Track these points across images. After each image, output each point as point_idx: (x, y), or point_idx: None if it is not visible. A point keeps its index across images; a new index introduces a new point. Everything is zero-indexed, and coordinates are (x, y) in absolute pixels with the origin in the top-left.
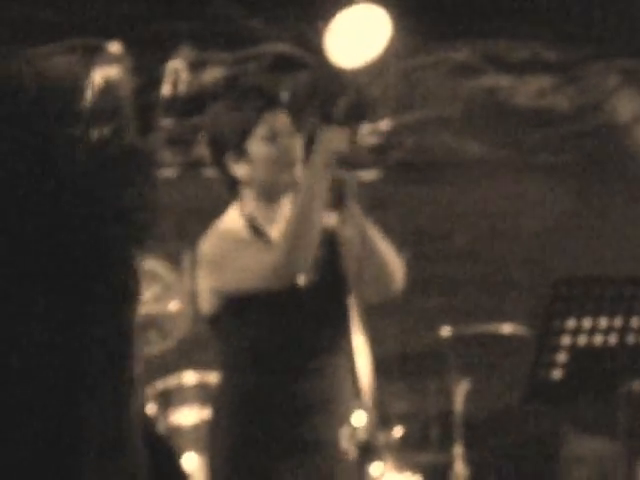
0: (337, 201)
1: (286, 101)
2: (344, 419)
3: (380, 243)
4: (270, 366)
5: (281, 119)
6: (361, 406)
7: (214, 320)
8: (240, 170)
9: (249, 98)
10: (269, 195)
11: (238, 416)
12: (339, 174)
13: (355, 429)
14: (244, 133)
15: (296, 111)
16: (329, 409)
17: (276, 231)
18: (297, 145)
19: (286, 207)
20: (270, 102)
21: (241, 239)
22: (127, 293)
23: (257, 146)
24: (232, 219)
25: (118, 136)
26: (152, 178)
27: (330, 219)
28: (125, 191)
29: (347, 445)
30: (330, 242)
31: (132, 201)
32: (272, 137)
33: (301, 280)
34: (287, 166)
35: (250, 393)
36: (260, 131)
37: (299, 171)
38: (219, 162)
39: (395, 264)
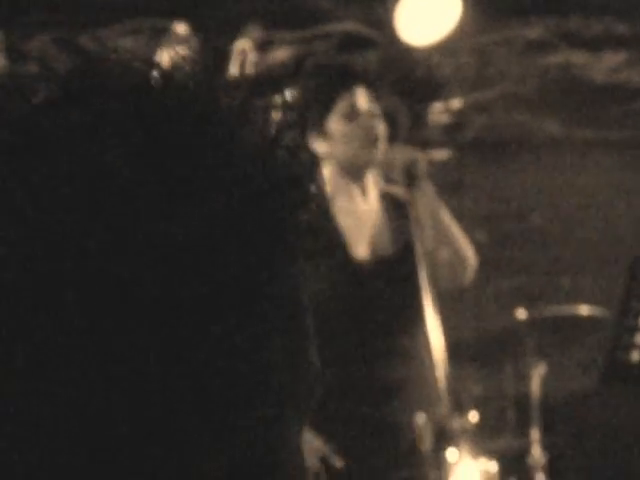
0: (409, 180)
1: (365, 77)
2: (421, 403)
3: (453, 227)
4: (343, 347)
5: (361, 96)
6: (436, 391)
7: None
8: (321, 147)
9: (327, 75)
10: (350, 172)
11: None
12: (411, 153)
13: (430, 414)
14: (324, 111)
15: (374, 87)
16: (405, 392)
17: (350, 221)
18: (378, 122)
19: (370, 185)
20: (349, 78)
21: None
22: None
23: (337, 124)
24: None
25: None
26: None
27: (404, 194)
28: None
29: (423, 431)
30: (403, 218)
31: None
32: (352, 115)
33: (373, 254)
34: (368, 143)
35: (324, 376)
36: (340, 109)
37: (381, 148)
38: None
39: (467, 250)
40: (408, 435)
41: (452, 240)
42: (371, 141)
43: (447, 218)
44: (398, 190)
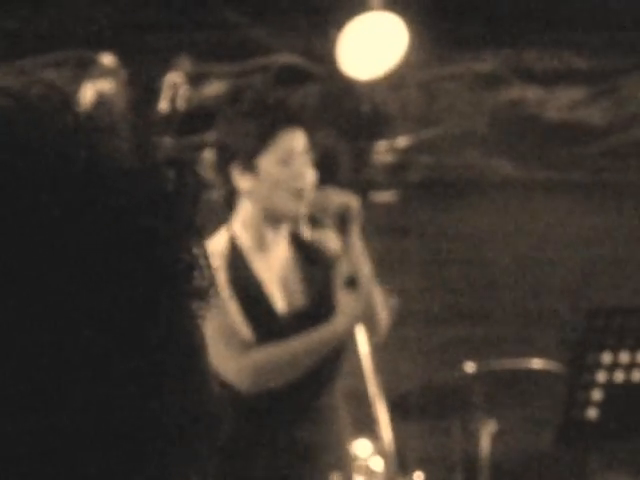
0: (340, 226)
1: (305, 116)
2: (342, 462)
3: (372, 283)
4: (267, 406)
5: (298, 140)
6: (379, 450)
7: None
8: (244, 183)
9: (266, 110)
10: (269, 217)
11: (235, 457)
12: (344, 197)
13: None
14: (257, 147)
15: (313, 129)
16: (327, 453)
17: (266, 270)
18: (309, 172)
19: (282, 238)
20: (288, 118)
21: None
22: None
23: (269, 165)
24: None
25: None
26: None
27: (332, 243)
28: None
29: None
30: (314, 265)
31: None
32: (286, 160)
33: (293, 306)
34: (295, 194)
35: (246, 434)
36: (275, 150)
37: (306, 201)
38: (223, 170)
39: (381, 311)
40: None
41: (368, 295)
42: (299, 192)
43: (368, 272)
44: (309, 234)
